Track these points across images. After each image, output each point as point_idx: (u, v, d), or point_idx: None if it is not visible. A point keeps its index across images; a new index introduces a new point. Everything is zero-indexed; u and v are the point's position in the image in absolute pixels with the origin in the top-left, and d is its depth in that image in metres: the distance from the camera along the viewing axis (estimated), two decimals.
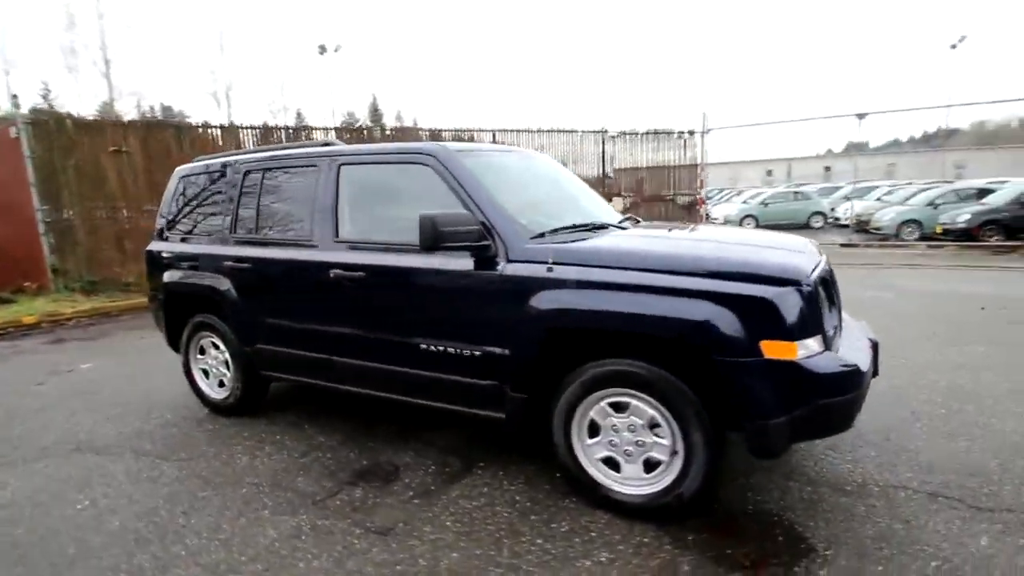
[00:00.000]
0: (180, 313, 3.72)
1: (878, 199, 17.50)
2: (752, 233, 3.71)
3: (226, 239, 3.37)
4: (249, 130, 9.64)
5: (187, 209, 3.74)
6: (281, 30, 68.74)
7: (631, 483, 2.29)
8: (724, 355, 1.99)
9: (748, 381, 1.98)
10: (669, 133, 12.55)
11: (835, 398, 2.00)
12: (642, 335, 2.16)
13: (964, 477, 2.52)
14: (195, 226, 3.64)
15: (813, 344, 2.00)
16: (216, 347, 3.58)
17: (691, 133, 12.52)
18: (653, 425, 2.21)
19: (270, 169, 3.28)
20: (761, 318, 1.97)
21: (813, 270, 2.14)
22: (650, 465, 2.26)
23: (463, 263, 2.51)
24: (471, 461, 2.87)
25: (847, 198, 20.08)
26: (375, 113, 40.43)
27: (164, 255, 3.74)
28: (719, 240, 2.65)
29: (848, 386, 2.02)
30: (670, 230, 3.02)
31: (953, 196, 13.94)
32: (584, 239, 2.53)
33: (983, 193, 13.16)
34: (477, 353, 2.51)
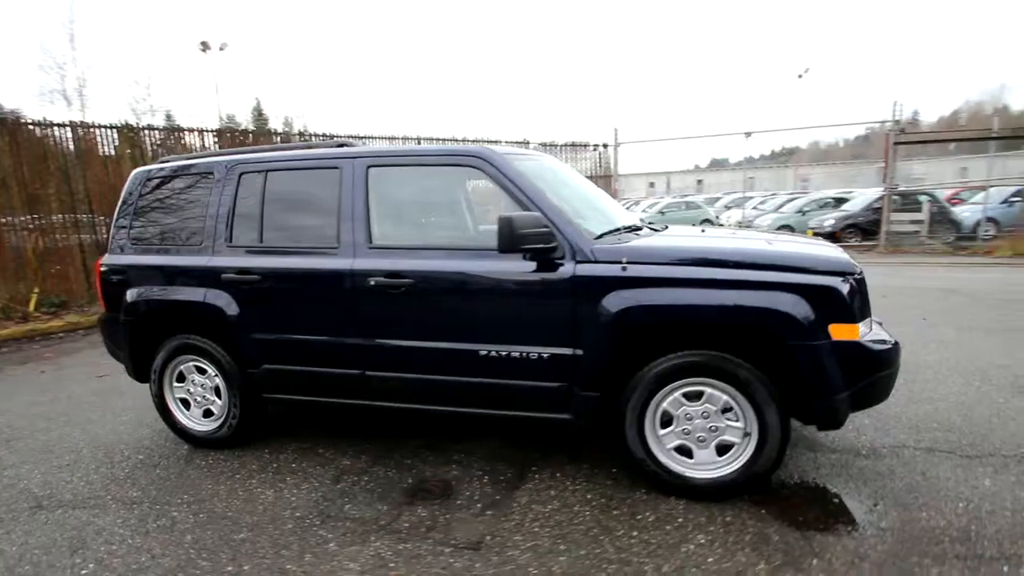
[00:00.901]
0: (151, 336, 3.23)
1: (754, 208, 19.86)
2: (775, 235, 4.06)
3: (218, 249, 3.01)
4: (108, 129, 8.29)
5: (155, 216, 3.27)
6: (149, 25, 61.32)
7: (704, 467, 2.43)
8: (799, 339, 2.20)
9: (820, 362, 2.21)
10: (585, 145, 13.24)
11: (884, 372, 2.31)
12: (721, 325, 2.32)
13: (944, 432, 3.00)
14: (168, 235, 3.19)
15: (866, 326, 2.29)
16: (202, 372, 3.17)
17: (605, 146, 13.32)
18: (725, 410, 2.38)
19: (275, 171, 2.99)
20: (829, 304, 2.21)
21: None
22: (721, 449, 2.41)
23: (522, 265, 2.50)
24: (522, 467, 2.84)
25: (727, 207, 22.52)
26: (259, 117, 37.55)
27: (126, 270, 3.23)
28: (766, 239, 2.91)
29: (893, 361, 2.33)
30: (704, 231, 3.22)
31: (815, 205, 16.25)
32: (641, 239, 2.64)
33: (840, 201, 15.50)
34: (545, 355, 2.51)
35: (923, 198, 13.43)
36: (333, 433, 3.36)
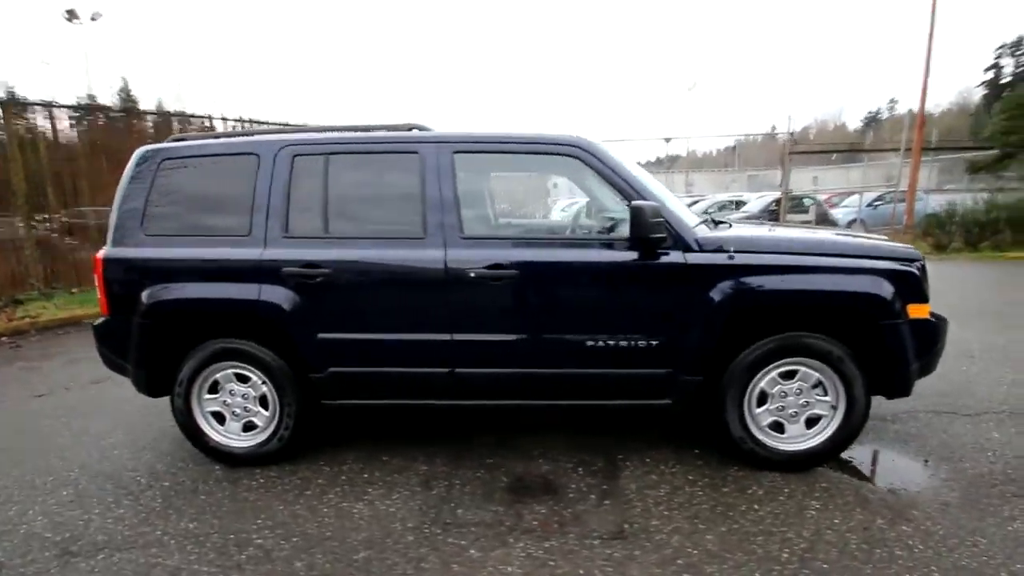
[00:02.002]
0: (176, 342, 2.78)
1: None
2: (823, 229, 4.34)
3: (273, 240, 2.67)
4: None
5: (178, 203, 2.81)
6: None
7: (795, 440, 2.64)
8: (888, 319, 2.48)
9: (902, 337, 2.50)
10: None
11: (941, 344, 2.67)
12: (819, 307, 2.53)
13: (939, 397, 3.51)
14: (200, 225, 2.76)
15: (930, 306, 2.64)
16: (243, 380, 2.79)
17: None
18: (814, 386, 2.60)
19: (338, 155, 2.72)
20: (909, 287, 2.52)
21: None
22: (810, 422, 2.64)
23: (628, 255, 2.54)
24: (607, 457, 2.86)
25: None
26: (127, 97, 33.13)
27: (141, 265, 2.75)
28: (838, 232, 3.19)
29: (945, 335, 2.70)
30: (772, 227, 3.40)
31: (716, 207, 17.90)
32: (735, 230, 2.78)
33: (738, 204, 17.22)
34: (654, 343, 2.56)
35: (808, 201, 15.41)
36: (382, 438, 3.13)
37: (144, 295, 2.71)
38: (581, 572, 2.00)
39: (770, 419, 2.64)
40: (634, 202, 2.37)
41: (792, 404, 2.61)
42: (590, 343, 2.58)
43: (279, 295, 2.63)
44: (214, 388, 2.82)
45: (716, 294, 2.50)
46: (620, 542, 2.16)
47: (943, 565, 1.98)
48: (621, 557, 2.07)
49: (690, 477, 2.64)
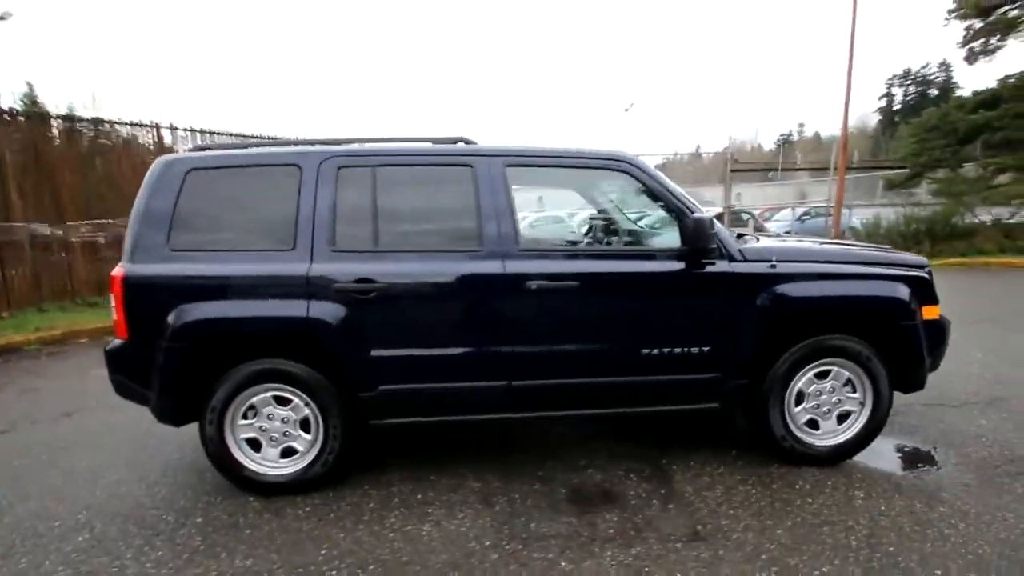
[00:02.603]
0: (209, 365, 2.59)
1: None
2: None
3: (320, 254, 2.55)
4: None
5: (210, 216, 2.64)
6: None
7: (828, 436, 2.83)
8: (908, 320, 2.73)
9: (919, 336, 2.76)
10: None
11: (946, 342, 2.96)
12: (851, 311, 2.74)
13: (927, 391, 3.83)
14: (236, 239, 2.60)
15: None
16: (283, 403, 2.63)
17: None
18: (844, 384, 2.81)
19: (386, 167, 2.66)
20: (921, 291, 2.78)
21: None
22: (840, 418, 2.84)
23: (676, 265, 2.65)
24: (652, 463, 2.93)
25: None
26: (33, 102, 30.15)
27: (171, 283, 2.54)
28: (848, 244, 3.44)
29: (948, 334, 3.00)
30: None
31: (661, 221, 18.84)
32: (771, 241, 2.96)
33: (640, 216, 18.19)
34: (706, 349, 2.67)
35: (745, 215, 16.49)
36: (419, 457, 3.04)
37: (173, 316, 2.50)
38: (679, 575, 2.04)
39: (807, 417, 2.82)
40: (696, 214, 2.49)
41: (826, 402, 2.81)
42: (645, 351, 2.66)
43: (329, 311, 2.52)
44: (249, 413, 2.64)
45: (761, 301, 2.65)
46: (701, 543, 2.23)
47: (988, 539, 2.19)
48: (708, 558, 2.13)
49: (738, 477, 2.76)
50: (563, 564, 2.12)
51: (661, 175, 2.76)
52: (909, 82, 52.28)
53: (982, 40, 12.20)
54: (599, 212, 3.01)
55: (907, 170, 13.63)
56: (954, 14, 12.51)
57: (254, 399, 2.62)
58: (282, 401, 2.64)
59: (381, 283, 2.54)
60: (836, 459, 2.83)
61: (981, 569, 2.02)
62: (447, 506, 2.56)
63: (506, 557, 2.17)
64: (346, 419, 2.64)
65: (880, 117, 53.56)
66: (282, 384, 2.60)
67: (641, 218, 3.73)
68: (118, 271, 2.56)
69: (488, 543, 2.27)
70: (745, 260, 2.68)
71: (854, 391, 2.82)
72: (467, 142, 2.86)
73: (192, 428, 2.72)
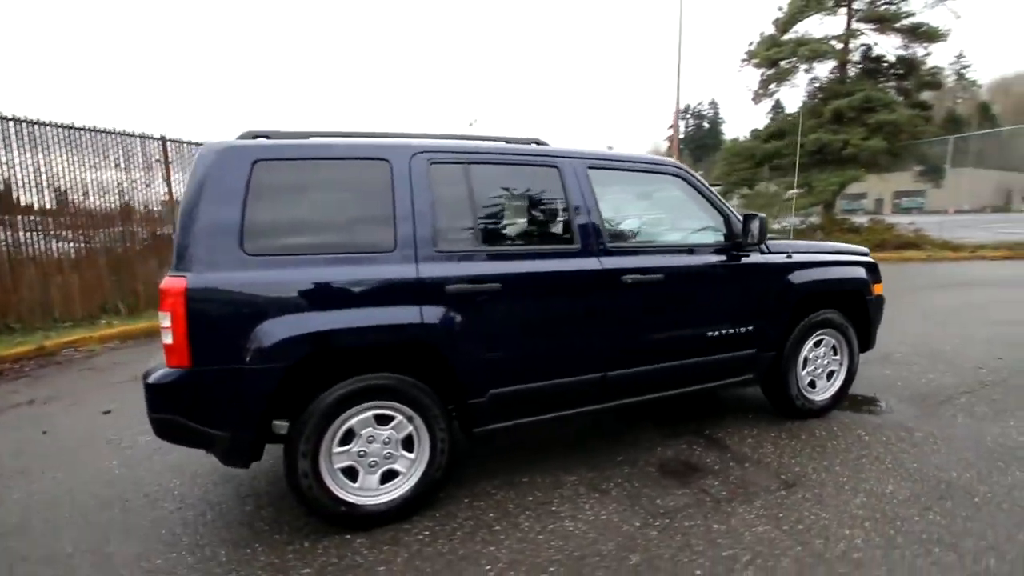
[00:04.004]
0: (298, 388, 2.22)
1: None
2: None
3: (425, 254, 2.38)
4: None
5: (290, 214, 2.28)
6: None
7: (821, 392, 3.49)
8: (868, 295, 3.53)
9: (874, 307, 3.59)
10: None
11: (882, 313, 3.85)
12: (839, 291, 3.43)
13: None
14: (325, 241, 2.28)
15: None
16: (384, 421, 2.38)
17: None
18: (831, 349, 3.52)
19: (478, 164, 2.59)
20: (874, 273, 3.62)
21: None
22: (829, 375, 3.54)
23: (725, 257, 3.07)
24: (701, 434, 3.28)
25: None
26: None
27: (253, 294, 2.13)
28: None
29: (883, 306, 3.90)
30: None
31: None
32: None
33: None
34: (751, 328, 3.12)
35: None
36: (487, 460, 2.97)
37: (260, 332, 2.11)
38: (810, 514, 2.39)
39: (808, 379, 3.45)
40: (757, 214, 2.93)
41: (821, 365, 3.48)
42: (710, 333, 3.01)
43: (443, 316, 2.37)
44: (347, 438, 2.33)
45: (784, 285, 3.21)
46: (797, 488, 2.63)
47: (963, 445, 2.98)
48: (813, 497, 2.53)
49: (772, 435, 3.26)
50: (715, 526, 2.33)
51: (705, 182, 3.16)
52: (689, 116, 63.24)
53: (768, 84, 15.59)
54: (655, 213, 3.31)
55: (720, 187, 16.65)
56: (748, 62, 15.76)
57: (352, 421, 2.32)
58: (383, 420, 2.38)
59: (493, 284, 2.47)
60: (828, 410, 3.52)
61: (965, 463, 2.76)
62: (567, 501, 2.58)
63: (665, 532, 2.30)
64: (451, 431, 2.49)
65: (669, 144, 63.78)
66: (386, 401, 2.35)
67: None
68: (175, 282, 2.07)
69: (637, 524, 2.37)
70: (771, 252, 3.22)
71: (835, 354, 3.54)
72: (539, 143, 2.92)
73: (171, 473, 2.30)
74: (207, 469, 3.07)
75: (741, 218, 3.06)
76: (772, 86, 16.12)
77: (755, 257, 3.15)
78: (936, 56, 14.63)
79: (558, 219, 2.71)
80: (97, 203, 7.98)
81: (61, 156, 7.50)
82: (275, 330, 2.12)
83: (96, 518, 2.60)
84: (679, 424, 3.45)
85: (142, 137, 8.59)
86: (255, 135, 2.39)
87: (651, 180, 3.09)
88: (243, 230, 2.16)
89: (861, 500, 2.49)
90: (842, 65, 14.90)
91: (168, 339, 2.08)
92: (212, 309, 2.09)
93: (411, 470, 2.45)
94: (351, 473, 2.36)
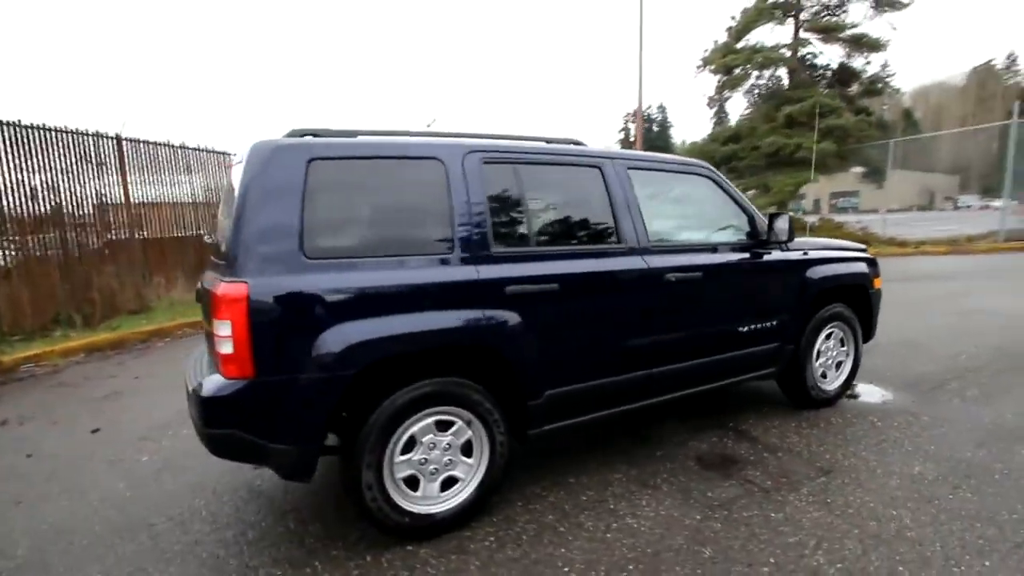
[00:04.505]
0: (363, 396, 2.13)
1: None
2: None
3: (482, 255, 2.34)
4: None
5: (346, 215, 2.20)
6: None
7: (833, 382, 3.67)
8: (870, 289, 3.74)
9: (875, 300, 3.81)
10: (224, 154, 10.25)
11: (879, 305, 4.09)
12: (847, 286, 3.61)
13: None
14: (377, 242, 2.20)
15: None
16: (444, 428, 2.32)
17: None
18: (840, 340, 3.70)
19: (527, 164, 2.57)
20: (875, 268, 3.83)
21: None
22: (837, 366, 3.72)
23: (752, 255, 3.18)
24: (726, 427, 3.38)
25: None
26: None
27: (325, 298, 2.03)
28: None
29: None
30: None
31: None
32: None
33: None
34: (775, 323, 3.24)
35: None
36: (527, 462, 2.95)
37: (325, 339, 2.02)
38: (855, 498, 2.50)
39: (821, 370, 3.62)
40: (788, 213, 3.04)
41: (832, 356, 3.65)
42: (741, 328, 3.11)
43: (504, 318, 2.34)
44: (408, 446, 2.25)
45: (802, 280, 3.35)
46: (835, 474, 2.75)
47: (967, 427, 3.20)
48: (852, 481, 2.66)
49: (793, 425, 3.40)
50: (773, 515, 2.40)
51: (730, 183, 3.26)
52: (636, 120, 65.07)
53: (723, 89, 16.26)
54: (688, 212, 3.37)
55: None
56: (704, 68, 16.39)
57: (414, 428, 2.25)
58: (444, 426, 2.32)
59: (550, 284, 2.46)
60: (837, 399, 3.70)
61: (975, 444, 2.97)
62: (622, 499, 2.60)
63: (728, 523, 2.36)
64: (509, 435, 2.46)
65: (620, 147, 65.49)
66: (447, 406, 2.29)
67: None
68: (235, 289, 1.94)
69: (698, 517, 2.41)
70: (790, 249, 3.35)
71: (842, 345, 3.74)
72: (577, 143, 2.92)
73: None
74: (229, 486, 2.91)
75: (765, 217, 3.18)
76: (726, 92, 16.80)
77: (777, 254, 3.28)
78: (873, 65, 15.73)
79: (604, 219, 2.72)
80: (46, 206, 7.38)
81: (6, 156, 6.89)
82: (342, 336, 2.03)
83: (123, 548, 2.40)
84: (703, 419, 3.54)
85: (96, 136, 8.03)
86: (302, 133, 2.28)
87: (683, 180, 3.15)
88: (303, 232, 2.05)
89: (896, 482, 2.64)
90: (792, 72, 15.75)
91: (227, 348, 1.95)
92: (277, 316, 1.98)
93: (470, 476, 2.40)
94: (412, 482, 2.29)
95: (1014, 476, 2.65)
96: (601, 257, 2.66)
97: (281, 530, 2.46)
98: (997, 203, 13.77)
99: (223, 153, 10.42)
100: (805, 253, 3.41)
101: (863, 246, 4.03)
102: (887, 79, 16.69)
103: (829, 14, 15.62)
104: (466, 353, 2.34)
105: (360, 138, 2.33)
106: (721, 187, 3.19)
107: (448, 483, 2.36)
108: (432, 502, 2.32)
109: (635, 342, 2.74)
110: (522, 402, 2.46)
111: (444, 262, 2.28)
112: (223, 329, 1.95)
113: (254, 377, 1.97)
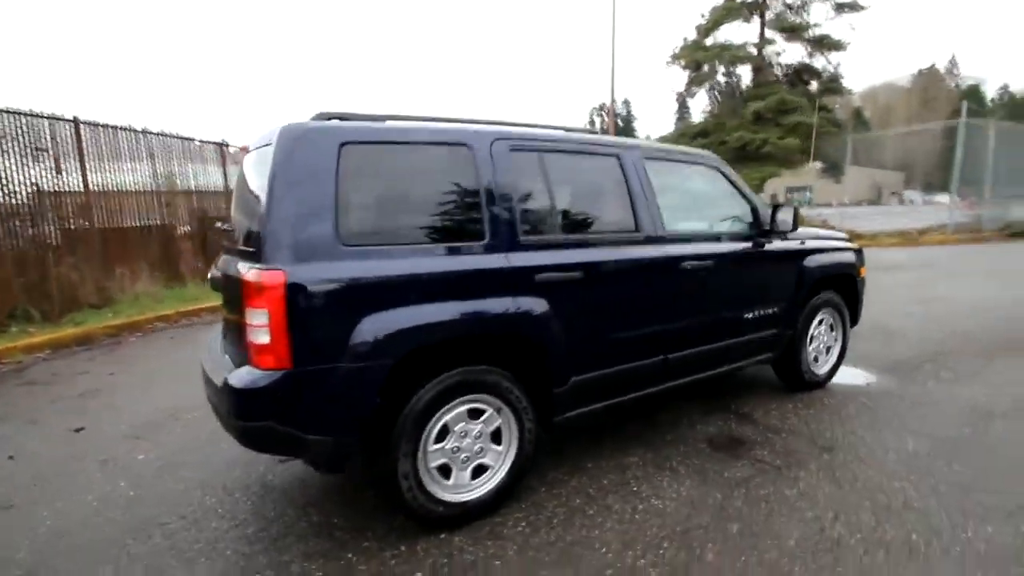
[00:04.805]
0: (400, 385, 2.11)
1: None
2: None
3: (512, 243, 2.34)
4: None
5: (379, 201, 2.16)
6: None
7: (824, 366, 3.85)
8: (858, 276, 3.94)
9: (861, 287, 4.00)
10: (191, 139, 9.89)
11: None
12: (839, 273, 3.78)
13: None
14: (409, 229, 2.17)
15: None
16: (475, 416, 2.32)
17: (226, 145, 10.99)
18: (830, 326, 3.88)
19: (550, 152, 2.58)
20: (860, 257, 4.02)
21: None
22: (827, 350, 3.90)
23: (744, 245, 3.29)
24: (730, 412, 3.50)
25: None
26: None
27: (364, 285, 1.99)
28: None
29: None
30: None
31: None
32: None
33: None
34: (777, 310, 3.37)
35: None
36: (548, 448, 2.99)
37: (365, 328, 1.98)
38: (860, 473, 2.64)
39: (814, 354, 3.79)
40: (792, 205, 3.15)
41: (823, 341, 3.83)
42: (747, 315, 3.22)
43: (534, 306, 2.35)
44: (441, 435, 2.24)
45: (804, 268, 3.50)
46: (837, 451, 2.89)
47: (947, 406, 3.42)
48: (853, 456, 2.81)
49: (790, 407, 3.54)
50: (787, 491, 2.52)
51: (736, 174, 3.36)
52: (605, 112, 65.78)
53: (692, 85, 16.64)
54: (698, 202, 3.44)
55: None
56: (674, 63, 16.72)
57: (447, 417, 2.24)
58: (475, 414, 2.32)
59: (575, 272, 2.48)
60: (827, 382, 3.88)
61: (957, 421, 3.19)
62: (643, 481, 2.66)
63: (748, 501, 2.45)
64: (537, 421, 2.48)
65: None
66: (478, 394, 2.29)
67: None
68: (272, 276, 1.88)
69: (719, 496, 2.50)
70: (788, 239, 3.48)
71: (832, 331, 3.92)
72: (593, 132, 2.95)
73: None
74: (240, 482, 2.82)
75: (769, 207, 3.29)
76: (694, 87, 17.19)
77: (780, 244, 3.40)
78: (833, 65, 16.42)
79: (623, 208, 2.76)
80: None
81: None
82: (382, 325, 2.00)
83: (137, 548, 2.30)
84: (707, 403, 3.64)
85: (51, 119, 7.52)
86: (329, 116, 2.22)
87: (693, 170, 3.23)
88: (338, 218, 2.00)
89: (894, 457, 2.81)
90: (757, 70, 16.25)
91: (263, 338, 1.89)
92: (315, 304, 1.93)
93: (499, 463, 2.41)
94: (444, 471, 2.28)
95: (998, 450, 2.86)
96: (622, 245, 2.70)
97: (304, 524, 2.41)
98: (940, 198, 14.70)
99: (188, 139, 9.97)
100: (803, 243, 3.56)
101: (847, 236, 4.22)
102: (842, 78, 17.44)
103: (793, 14, 16.15)
104: (497, 341, 2.34)
105: (389, 123, 2.28)
106: (727, 178, 3.28)
107: (477, 471, 2.37)
108: (463, 490, 2.32)
109: (653, 328, 2.80)
110: (549, 389, 2.49)
111: (475, 250, 2.26)
112: (258, 318, 1.89)
113: (291, 368, 1.91)
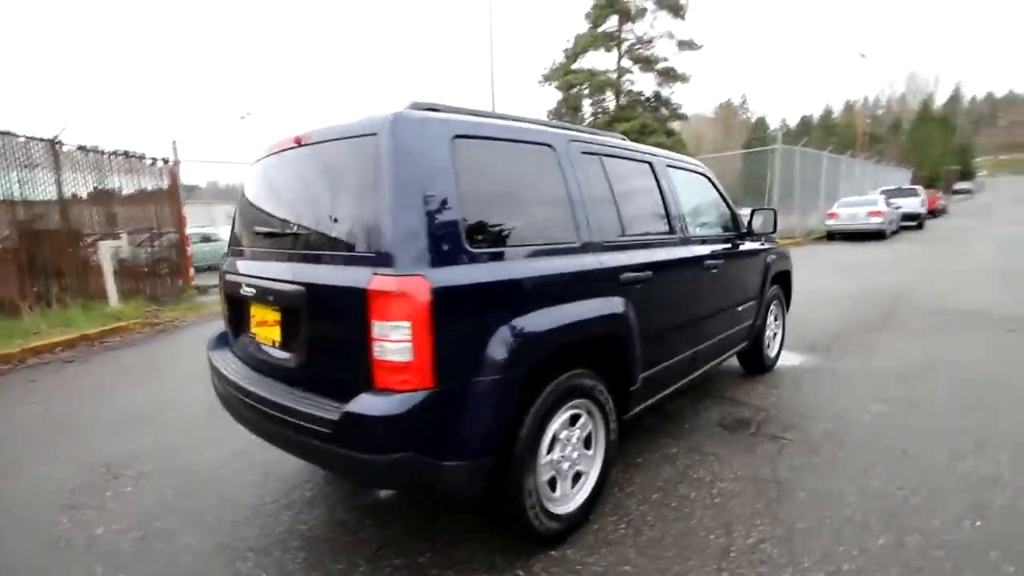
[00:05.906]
0: (528, 393, 1.98)
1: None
2: None
3: (594, 244, 2.34)
4: None
5: (491, 199, 2.01)
6: None
7: (773, 350, 4.42)
8: (790, 271, 4.60)
9: (791, 280, 4.69)
10: (142, 158, 10.20)
11: None
12: (783, 271, 4.37)
13: None
14: (519, 231, 2.06)
15: None
16: (573, 421, 2.26)
17: (165, 161, 10.64)
18: (775, 316, 4.47)
19: (609, 156, 2.65)
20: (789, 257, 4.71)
21: None
22: (774, 336, 4.49)
23: (735, 244, 3.69)
24: (721, 396, 3.84)
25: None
26: None
27: (492, 292, 1.84)
28: None
29: None
30: None
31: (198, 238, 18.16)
32: None
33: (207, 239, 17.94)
34: (753, 303, 3.80)
35: None
36: None
37: (500, 338, 1.84)
38: (856, 433, 3.09)
39: (767, 341, 4.34)
40: (772, 207, 3.57)
41: (773, 328, 4.40)
42: (739, 308, 3.58)
43: (622, 306, 2.38)
44: (552, 443, 2.14)
45: (767, 265, 4.00)
46: (827, 420, 3.35)
47: (873, 374, 4.16)
48: (845, 423, 3.28)
49: (760, 388, 4.00)
50: (815, 459, 2.86)
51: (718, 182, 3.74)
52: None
53: (563, 106, 17.83)
54: (702, 207, 3.69)
55: None
56: (547, 83, 17.76)
57: (555, 425, 2.15)
58: (572, 420, 2.26)
59: (647, 272, 2.56)
60: (774, 365, 4.47)
61: (891, 384, 3.91)
62: (699, 466, 2.83)
63: (795, 471, 2.74)
64: (618, 421, 2.50)
65: None
66: (578, 399, 2.25)
67: None
68: (413, 284, 1.66)
69: (768, 471, 2.75)
70: (756, 240, 3.96)
71: (776, 320, 4.52)
72: (621, 138, 3.06)
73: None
74: (272, 536, 2.36)
75: (747, 212, 3.72)
76: (564, 109, 18.46)
77: (752, 244, 3.85)
78: (677, 95, 18.96)
79: (660, 211, 2.92)
80: None
81: None
82: (517, 334, 1.87)
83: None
84: (686, 394, 3.93)
85: None
86: (425, 107, 2.01)
87: (694, 178, 3.51)
88: (462, 218, 1.83)
89: (870, 419, 3.35)
90: (618, 95, 18.02)
91: (402, 356, 1.64)
92: (458, 313, 1.73)
93: (591, 468, 2.37)
94: (552, 483, 2.18)
95: (937, 400, 3.58)
96: (667, 246, 2.86)
97: (388, 570, 2.11)
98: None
99: (6, 134, 8.00)
100: (763, 243, 4.07)
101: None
102: (681, 107, 20.12)
103: (642, 48, 18.21)
104: (594, 343, 2.32)
105: (483, 118, 2.14)
106: (715, 185, 3.64)
107: (576, 478, 2.31)
108: (566, 501, 2.24)
109: (689, 324, 3.00)
110: (626, 388, 2.52)
111: (573, 251, 2.23)
112: (395, 333, 1.64)
113: (435, 387, 1.69)
